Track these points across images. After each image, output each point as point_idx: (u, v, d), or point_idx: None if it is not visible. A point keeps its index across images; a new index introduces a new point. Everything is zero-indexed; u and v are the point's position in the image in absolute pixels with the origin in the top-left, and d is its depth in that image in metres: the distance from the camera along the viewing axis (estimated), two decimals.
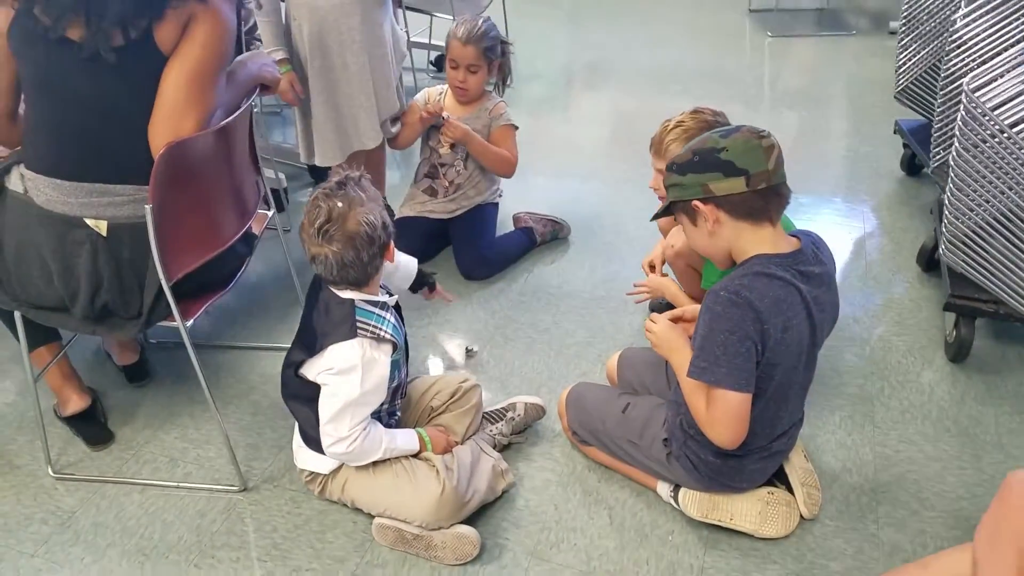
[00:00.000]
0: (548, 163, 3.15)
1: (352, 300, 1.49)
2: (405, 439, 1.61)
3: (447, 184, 2.51)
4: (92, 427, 1.90)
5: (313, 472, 1.65)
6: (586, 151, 3.29)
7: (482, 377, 2.03)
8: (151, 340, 2.23)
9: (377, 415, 1.58)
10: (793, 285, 1.36)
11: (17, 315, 1.64)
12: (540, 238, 2.62)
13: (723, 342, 1.35)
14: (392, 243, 1.52)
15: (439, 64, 3.87)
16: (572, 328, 2.25)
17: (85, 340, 2.10)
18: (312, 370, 1.53)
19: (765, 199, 1.36)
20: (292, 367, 1.55)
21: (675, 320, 1.61)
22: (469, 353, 2.17)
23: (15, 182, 1.57)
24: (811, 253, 1.43)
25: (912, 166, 2.96)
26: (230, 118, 1.57)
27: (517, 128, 2.50)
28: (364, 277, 1.48)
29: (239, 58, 1.75)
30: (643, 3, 5.12)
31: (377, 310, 1.50)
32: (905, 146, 2.94)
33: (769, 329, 1.34)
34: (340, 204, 1.41)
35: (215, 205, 1.67)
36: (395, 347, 1.52)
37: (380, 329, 1.49)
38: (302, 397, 1.58)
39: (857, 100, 3.60)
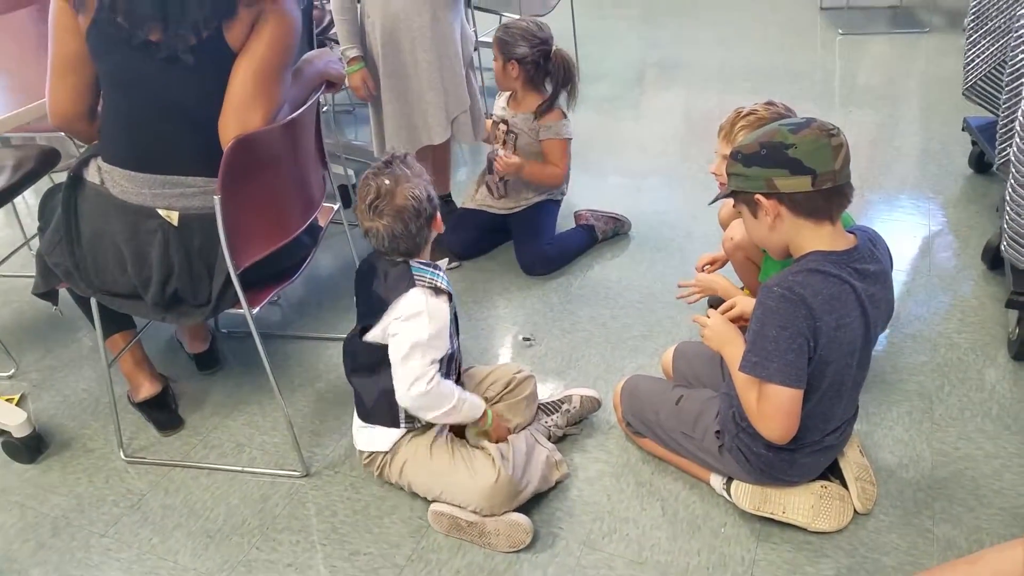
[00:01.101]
0: (614, 161, 3.17)
1: (407, 260, 1.59)
2: (473, 400, 1.65)
3: (496, 180, 2.56)
4: (163, 413, 1.98)
5: (372, 452, 1.70)
6: (652, 149, 3.28)
7: (539, 369, 2.07)
8: (222, 330, 2.33)
9: None
10: (848, 283, 1.35)
11: (93, 302, 1.73)
12: (601, 235, 2.64)
13: (775, 337, 1.34)
14: (439, 214, 1.61)
15: None
16: (630, 322, 2.26)
17: (158, 329, 2.21)
18: (379, 329, 1.58)
19: (828, 199, 1.35)
20: (358, 334, 1.62)
21: (727, 314, 1.61)
22: (526, 342, 2.20)
23: (92, 173, 1.66)
24: (867, 250, 1.42)
25: (980, 163, 2.87)
26: (296, 113, 1.63)
27: (570, 139, 2.50)
28: (414, 247, 1.58)
29: (306, 56, 1.82)
30: (714, 1, 5.07)
31: (430, 268, 1.60)
32: (973, 143, 2.86)
33: (821, 326, 1.34)
34: (387, 181, 1.53)
35: (281, 197, 1.73)
36: (450, 297, 1.60)
37: (436, 281, 1.58)
38: (365, 367, 1.64)
39: (928, 98, 3.51)
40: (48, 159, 2.27)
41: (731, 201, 2.08)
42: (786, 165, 1.33)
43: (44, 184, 2.33)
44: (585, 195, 2.83)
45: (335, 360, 2.17)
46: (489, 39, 3.87)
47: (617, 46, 4.49)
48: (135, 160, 1.59)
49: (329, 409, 2.02)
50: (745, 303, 1.64)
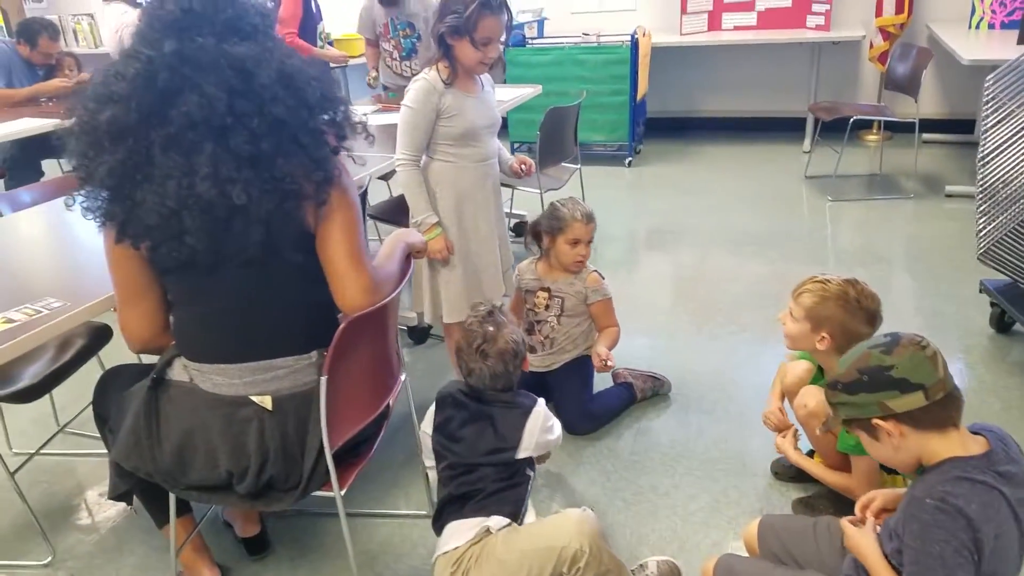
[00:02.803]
0: (636, 322, 3.21)
1: (510, 390, 1.81)
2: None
3: (542, 339, 2.58)
4: None
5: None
6: (672, 309, 3.34)
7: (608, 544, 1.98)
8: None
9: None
10: (996, 489, 1.31)
11: (172, 496, 1.67)
12: (640, 394, 2.65)
13: (939, 554, 1.29)
14: (528, 355, 1.86)
15: (517, 230, 4.04)
16: (694, 492, 2.21)
17: (199, 510, 2.09)
18: (527, 445, 1.74)
19: (945, 407, 1.36)
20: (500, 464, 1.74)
21: (871, 507, 1.59)
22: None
23: (179, 373, 1.62)
24: (1002, 452, 1.39)
25: (1002, 323, 2.97)
26: (399, 288, 1.65)
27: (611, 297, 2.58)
28: (511, 383, 1.80)
29: (394, 234, 1.87)
30: (700, 174, 5.36)
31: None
32: (993, 304, 2.97)
33: (983, 537, 1.28)
34: (491, 328, 1.78)
35: (373, 371, 1.73)
36: None
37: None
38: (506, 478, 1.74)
39: (927, 261, 3.67)
40: (100, 334, 2.23)
41: (797, 366, 2.13)
42: (894, 386, 1.36)
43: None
44: (615, 355, 2.83)
45: (389, 538, 2.08)
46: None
47: (619, 213, 4.67)
48: (224, 354, 1.57)
49: None
50: (887, 495, 1.61)
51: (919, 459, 1.40)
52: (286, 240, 1.49)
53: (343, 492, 1.63)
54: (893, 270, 3.58)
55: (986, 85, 2.75)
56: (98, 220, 1.46)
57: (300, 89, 1.45)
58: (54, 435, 2.63)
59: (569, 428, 2.47)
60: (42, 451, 2.53)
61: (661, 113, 6.29)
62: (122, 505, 2.21)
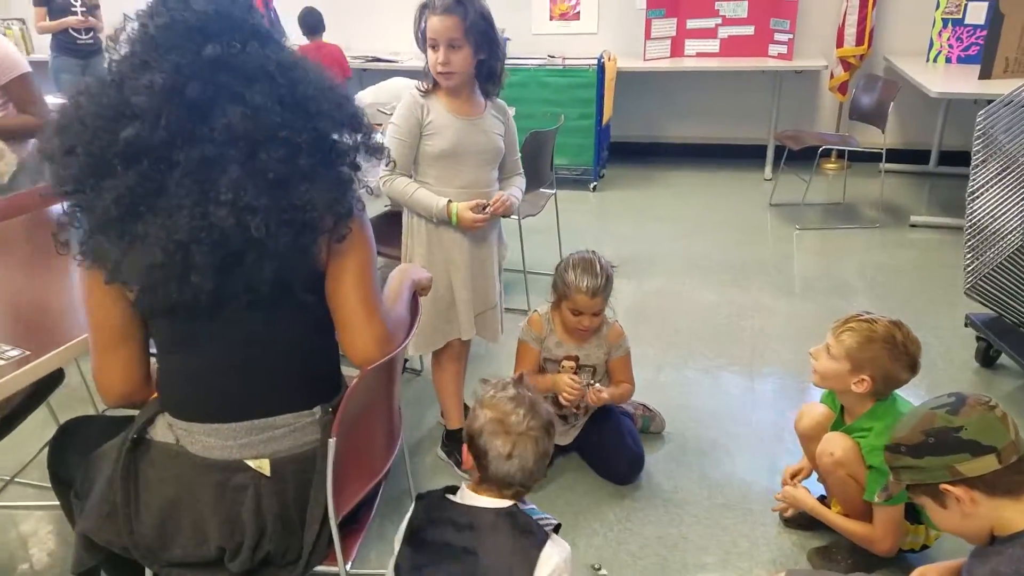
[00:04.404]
0: None
1: (516, 506, 1.47)
2: None
3: (575, 410, 2.42)
4: None
5: None
6: (657, 343, 3.25)
7: None
8: None
9: None
10: None
11: (149, 574, 1.45)
12: (636, 423, 2.55)
13: None
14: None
15: None
16: (704, 543, 2.10)
17: None
18: None
19: (1019, 471, 1.29)
20: None
21: None
22: (597, 570, 2.00)
23: (163, 432, 1.40)
24: None
25: (987, 358, 2.97)
26: (411, 336, 1.49)
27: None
28: (539, 476, 1.48)
29: (397, 270, 1.72)
30: (665, 200, 5.33)
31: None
32: (979, 339, 2.97)
33: None
34: (528, 420, 1.46)
35: (379, 429, 1.56)
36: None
37: (551, 520, 1.51)
38: None
39: (902, 292, 3.68)
40: (51, 380, 2.00)
41: (814, 409, 2.05)
42: (964, 448, 1.29)
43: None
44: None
45: None
46: None
47: (586, 238, 4.58)
48: (217, 412, 1.36)
49: None
50: (942, 569, 1.53)
51: (991, 528, 1.32)
52: (299, 279, 1.32)
53: (349, 565, 1.46)
54: (869, 301, 3.57)
55: (977, 121, 2.75)
56: (87, 259, 1.25)
57: (339, 105, 1.31)
58: (3, 486, 2.38)
59: (622, 480, 2.35)
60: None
61: (624, 138, 6.25)
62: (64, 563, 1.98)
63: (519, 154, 2.45)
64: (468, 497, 1.49)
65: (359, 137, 1.36)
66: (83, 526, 1.41)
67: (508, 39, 6.26)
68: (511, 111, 2.38)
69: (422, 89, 2.21)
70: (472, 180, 2.27)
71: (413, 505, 1.55)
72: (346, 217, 1.33)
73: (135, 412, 1.46)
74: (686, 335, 3.32)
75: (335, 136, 1.31)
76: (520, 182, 2.43)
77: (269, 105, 1.22)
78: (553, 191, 3.92)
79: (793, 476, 2.09)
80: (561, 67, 5.51)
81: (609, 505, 2.27)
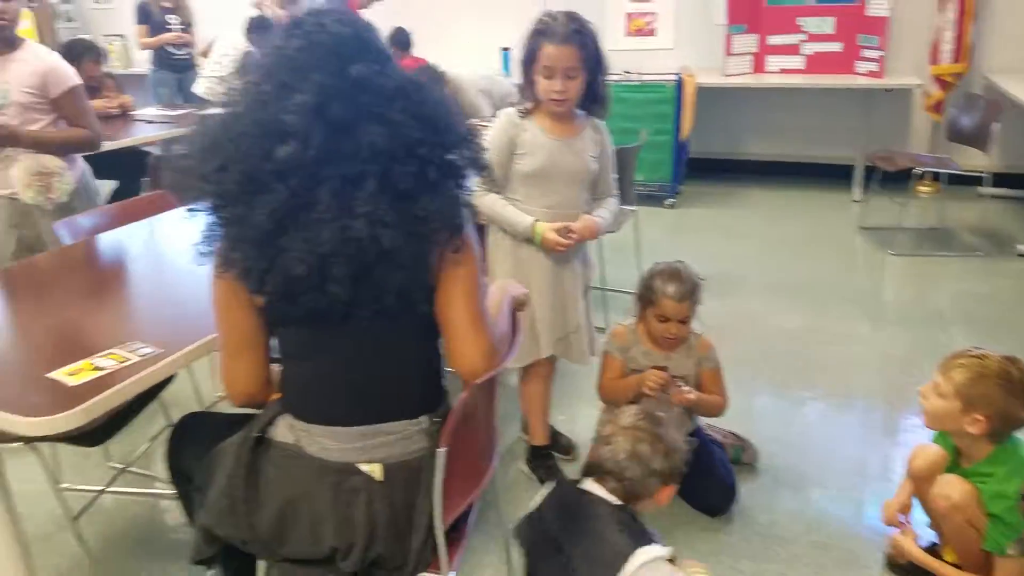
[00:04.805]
0: None
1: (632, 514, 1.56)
2: None
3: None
4: None
5: None
6: (745, 369, 3.10)
7: None
8: None
9: None
10: None
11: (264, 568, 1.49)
12: (727, 453, 2.44)
13: None
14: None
15: None
16: None
17: None
18: None
19: None
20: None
21: None
22: None
23: (283, 432, 1.44)
24: None
25: None
26: (514, 351, 1.48)
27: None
28: (644, 492, 1.57)
29: (496, 286, 1.69)
30: (746, 218, 5.19)
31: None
32: None
33: None
34: (663, 414, 1.62)
35: (482, 440, 1.54)
36: None
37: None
38: None
39: (1012, 326, 3.46)
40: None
41: (928, 449, 1.92)
42: None
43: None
44: None
45: None
46: None
47: (663, 255, 4.43)
48: (336, 415, 1.40)
49: None
50: None
51: None
52: (419, 290, 1.35)
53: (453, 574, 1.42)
54: (968, 333, 3.35)
55: None
56: (231, 270, 1.30)
57: (457, 121, 1.35)
58: (118, 474, 2.46)
59: (715, 511, 2.26)
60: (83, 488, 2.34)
61: (702, 154, 6.13)
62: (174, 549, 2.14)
63: (614, 174, 2.38)
64: (589, 484, 1.60)
65: (470, 154, 1.38)
66: (204, 520, 1.44)
67: None
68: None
69: (521, 111, 2.18)
70: (560, 201, 2.22)
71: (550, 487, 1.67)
72: (459, 230, 1.36)
73: (244, 410, 1.51)
74: (772, 361, 3.18)
75: (455, 152, 1.34)
76: (612, 204, 2.36)
77: (407, 122, 1.27)
78: (634, 208, 3.84)
79: (896, 513, 1.96)
80: (638, 83, 5.44)
81: (701, 538, 2.17)
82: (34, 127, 2.62)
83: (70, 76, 2.69)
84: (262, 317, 1.39)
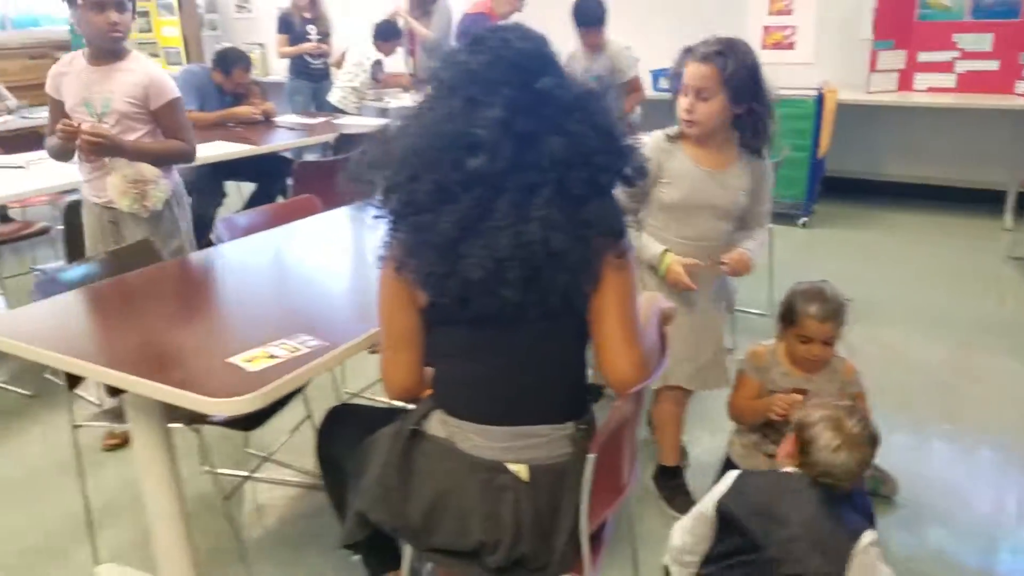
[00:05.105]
0: None
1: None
2: None
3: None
4: None
5: None
6: (890, 398, 2.96)
7: None
8: None
9: None
10: None
11: (408, 551, 1.55)
12: (863, 483, 2.33)
13: None
14: None
15: None
16: None
17: None
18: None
19: None
20: None
21: None
22: None
23: (436, 427, 1.51)
24: None
25: None
26: (663, 365, 1.51)
27: None
28: (853, 480, 1.71)
29: (643, 298, 1.71)
30: (884, 242, 5.00)
31: None
32: None
33: None
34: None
35: (625, 452, 1.56)
36: None
37: None
38: None
39: None
40: None
41: None
42: None
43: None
44: None
45: None
46: None
47: (795, 275, 4.31)
48: (488, 414, 1.46)
49: None
50: None
51: None
52: (581, 293, 1.39)
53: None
54: None
55: None
56: (413, 275, 1.39)
57: (622, 130, 1.40)
58: (261, 462, 2.62)
59: None
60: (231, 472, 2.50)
61: (839, 173, 5.93)
62: (326, 536, 2.24)
63: (768, 206, 2.33)
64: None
65: (635, 163, 1.42)
66: (359, 505, 1.53)
67: None
68: (769, 164, 2.26)
69: (671, 134, 2.18)
70: (699, 234, 2.20)
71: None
72: (621, 235, 1.40)
73: (390, 403, 1.59)
74: (913, 393, 3.05)
75: (623, 160, 1.39)
76: (761, 236, 2.31)
77: (585, 132, 1.32)
78: (768, 227, 3.76)
79: None
80: (775, 98, 5.31)
81: None
82: (131, 136, 2.62)
83: (171, 89, 2.67)
84: (423, 317, 1.46)
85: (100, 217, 2.73)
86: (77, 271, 2.17)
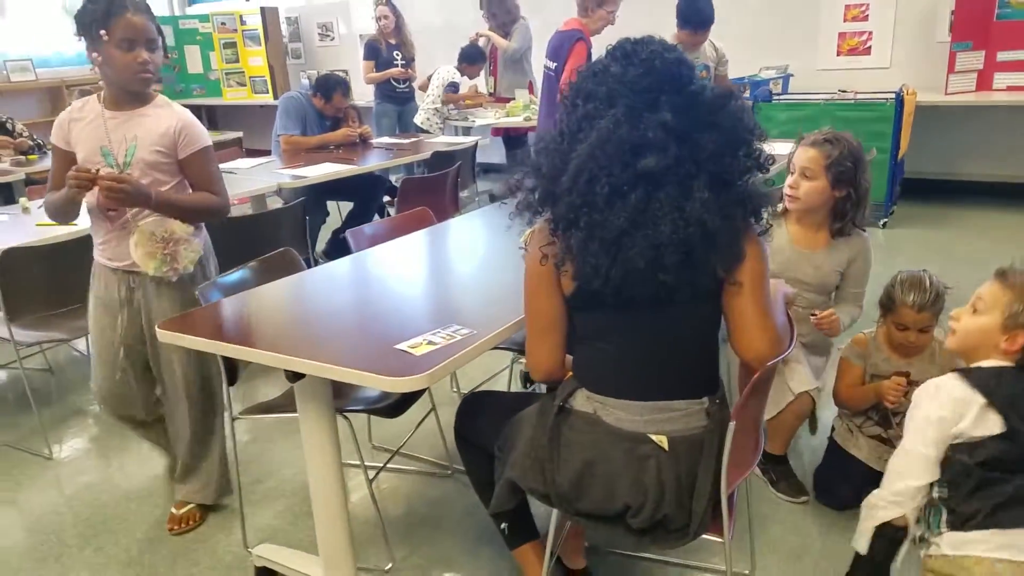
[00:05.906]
0: None
1: None
2: None
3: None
4: None
5: None
6: None
7: None
8: (585, 543, 2.24)
9: None
10: None
11: (555, 514, 1.71)
12: None
13: None
14: None
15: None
16: None
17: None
18: None
19: None
20: None
21: None
22: None
23: (582, 403, 1.66)
24: None
25: None
26: (794, 341, 1.66)
27: None
28: None
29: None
30: (968, 242, 5.02)
31: None
32: None
33: None
34: None
35: (755, 424, 1.73)
36: None
37: None
38: None
39: None
40: None
41: None
42: None
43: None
44: None
45: None
46: None
47: (880, 277, 4.44)
48: (629, 390, 1.62)
49: None
50: None
51: None
52: (728, 273, 1.53)
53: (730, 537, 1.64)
54: None
55: None
56: (579, 268, 1.52)
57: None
58: (396, 451, 2.82)
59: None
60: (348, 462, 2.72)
61: (915, 174, 5.96)
62: (453, 519, 2.42)
63: (863, 289, 2.52)
64: None
65: (766, 152, 1.60)
66: (511, 474, 1.71)
67: (791, 75, 6.26)
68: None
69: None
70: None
71: None
72: (760, 216, 1.57)
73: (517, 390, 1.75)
74: None
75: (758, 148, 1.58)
76: (853, 312, 2.49)
77: (735, 126, 1.51)
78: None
79: None
80: (853, 101, 5.41)
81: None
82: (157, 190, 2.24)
83: (205, 136, 2.32)
84: (567, 304, 1.62)
85: (118, 287, 2.32)
86: (231, 277, 2.37)
